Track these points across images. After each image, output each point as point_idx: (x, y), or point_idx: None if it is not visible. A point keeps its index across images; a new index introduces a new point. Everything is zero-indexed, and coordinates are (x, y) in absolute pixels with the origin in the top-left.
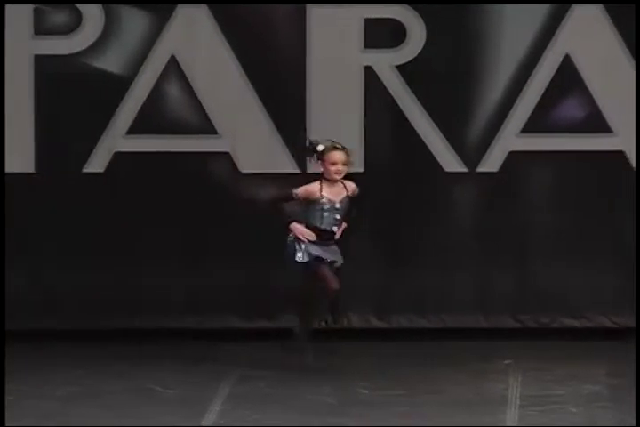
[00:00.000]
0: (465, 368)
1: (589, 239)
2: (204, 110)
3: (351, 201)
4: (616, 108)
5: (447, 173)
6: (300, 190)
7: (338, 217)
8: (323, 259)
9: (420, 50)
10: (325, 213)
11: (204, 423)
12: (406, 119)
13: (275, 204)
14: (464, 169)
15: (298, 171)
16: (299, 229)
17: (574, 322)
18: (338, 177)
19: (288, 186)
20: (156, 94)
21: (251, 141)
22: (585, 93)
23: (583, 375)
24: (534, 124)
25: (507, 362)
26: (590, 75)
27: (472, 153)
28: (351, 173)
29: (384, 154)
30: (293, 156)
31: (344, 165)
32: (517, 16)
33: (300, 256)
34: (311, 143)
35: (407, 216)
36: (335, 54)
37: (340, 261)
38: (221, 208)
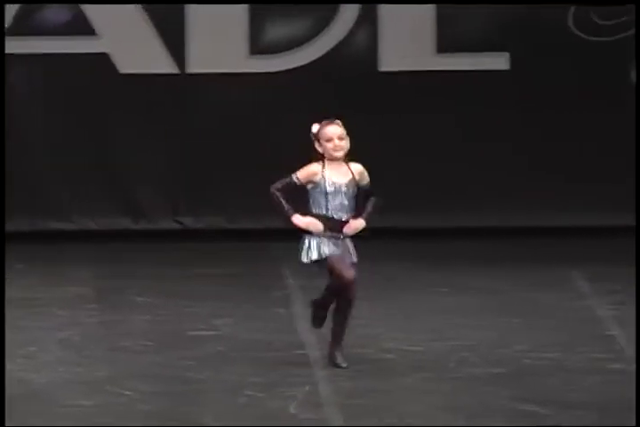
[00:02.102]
0: None
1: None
2: None
3: (361, 188)
4: (100, 11)
5: None
6: (300, 173)
7: (345, 202)
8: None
9: None
10: (330, 198)
11: None
12: None
13: (274, 196)
14: None
15: None
16: (302, 221)
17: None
18: (338, 154)
19: (289, 173)
20: None
21: None
22: None
23: (68, 278)
24: (20, 27)
25: None
26: None
27: None
28: None
29: None
30: None
31: (340, 139)
32: None
33: (305, 257)
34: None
35: None
36: None
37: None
38: None
